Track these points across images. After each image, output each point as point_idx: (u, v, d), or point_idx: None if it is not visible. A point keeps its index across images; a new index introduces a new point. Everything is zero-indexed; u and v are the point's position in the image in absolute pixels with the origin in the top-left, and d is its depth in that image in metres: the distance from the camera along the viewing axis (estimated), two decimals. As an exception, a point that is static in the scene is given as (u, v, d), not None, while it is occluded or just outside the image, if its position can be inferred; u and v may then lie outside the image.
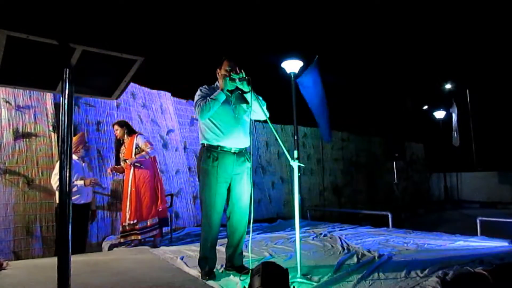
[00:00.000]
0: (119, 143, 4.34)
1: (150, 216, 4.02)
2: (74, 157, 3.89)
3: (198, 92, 2.73)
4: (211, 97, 2.60)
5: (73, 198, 3.71)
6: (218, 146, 2.65)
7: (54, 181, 3.79)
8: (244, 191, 2.73)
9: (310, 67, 6.15)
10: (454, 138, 10.24)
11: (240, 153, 2.71)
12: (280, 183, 7.55)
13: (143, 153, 4.04)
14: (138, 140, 4.12)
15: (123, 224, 4.02)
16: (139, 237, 3.95)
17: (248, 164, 2.75)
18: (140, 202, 4.02)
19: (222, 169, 2.63)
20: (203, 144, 2.72)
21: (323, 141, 8.20)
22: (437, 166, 13.58)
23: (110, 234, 4.76)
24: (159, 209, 4.12)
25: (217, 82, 2.80)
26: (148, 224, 3.99)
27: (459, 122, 10.37)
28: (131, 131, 4.24)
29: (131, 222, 3.97)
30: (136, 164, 4.06)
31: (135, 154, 4.06)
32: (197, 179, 5.73)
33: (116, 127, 4.28)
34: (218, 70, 2.79)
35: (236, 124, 2.69)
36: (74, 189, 3.76)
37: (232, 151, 2.67)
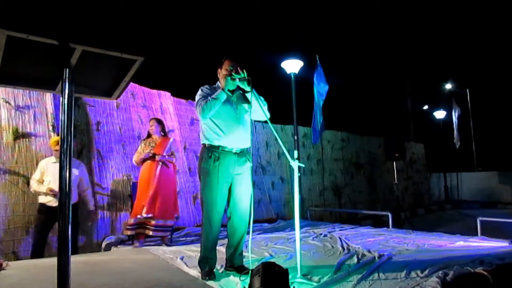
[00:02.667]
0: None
1: (168, 216, 4.03)
2: (53, 159, 3.80)
3: (199, 92, 2.72)
4: (212, 96, 2.59)
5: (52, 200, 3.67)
6: (219, 146, 2.64)
7: (33, 187, 3.75)
8: (245, 192, 2.72)
9: (319, 67, 6.21)
10: (456, 138, 10.23)
11: (241, 153, 2.70)
12: (280, 183, 7.54)
13: (172, 156, 4.25)
14: (173, 147, 4.31)
15: (137, 216, 3.91)
16: (151, 232, 3.92)
17: (249, 164, 2.74)
18: (162, 200, 4.01)
19: (223, 169, 2.62)
20: (204, 144, 2.71)
21: (320, 141, 8.20)
22: (437, 166, 13.60)
23: (110, 234, 4.76)
24: (176, 215, 4.21)
25: (218, 82, 2.80)
26: (164, 224, 3.99)
27: (459, 122, 10.37)
28: (165, 133, 4.43)
29: (147, 215, 3.90)
30: (164, 162, 4.12)
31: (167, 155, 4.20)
32: (197, 179, 5.72)
33: (153, 122, 4.34)
34: (219, 69, 2.79)
35: (238, 124, 2.68)
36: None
37: (234, 151, 2.66)
